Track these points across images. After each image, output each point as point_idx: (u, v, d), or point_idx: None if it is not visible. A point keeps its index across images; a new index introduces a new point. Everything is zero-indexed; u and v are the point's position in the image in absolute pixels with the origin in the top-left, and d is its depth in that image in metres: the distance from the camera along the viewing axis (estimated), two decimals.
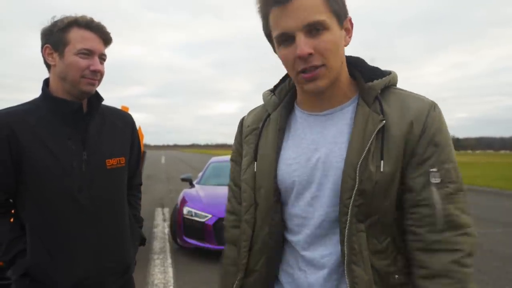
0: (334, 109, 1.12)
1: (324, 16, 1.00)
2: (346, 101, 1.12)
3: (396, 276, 1.06)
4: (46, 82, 1.64)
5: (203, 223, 5.74)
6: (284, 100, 1.22)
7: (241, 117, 1.34)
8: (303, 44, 0.99)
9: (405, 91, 1.12)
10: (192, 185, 7.31)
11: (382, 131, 1.03)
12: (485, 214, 9.75)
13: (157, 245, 6.64)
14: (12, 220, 1.61)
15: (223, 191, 6.83)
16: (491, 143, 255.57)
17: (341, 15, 1.04)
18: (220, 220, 5.65)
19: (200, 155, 63.47)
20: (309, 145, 1.12)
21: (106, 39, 1.62)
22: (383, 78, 1.10)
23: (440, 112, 1.06)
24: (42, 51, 1.59)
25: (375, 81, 1.09)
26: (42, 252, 1.55)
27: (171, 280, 4.98)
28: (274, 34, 1.05)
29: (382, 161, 1.02)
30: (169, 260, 5.81)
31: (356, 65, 1.15)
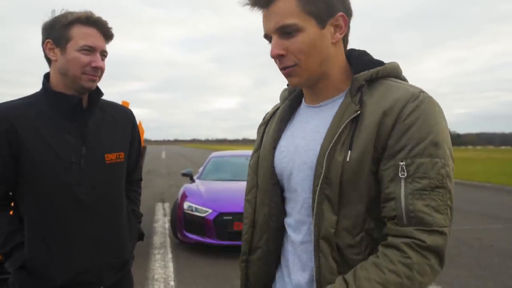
0: (327, 101, 1.16)
1: (296, 19, 1.05)
2: (338, 94, 1.15)
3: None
4: (47, 76, 1.64)
5: (203, 218, 5.74)
6: (293, 93, 1.30)
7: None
8: (274, 46, 1.08)
9: (399, 82, 1.09)
10: (192, 180, 7.31)
11: (356, 121, 1.03)
12: (486, 210, 9.77)
13: (157, 240, 6.66)
14: (11, 213, 1.62)
15: (224, 186, 6.86)
16: (492, 138, 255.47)
17: (321, 15, 1.07)
18: (220, 215, 5.67)
19: (200, 150, 63.51)
20: (299, 134, 1.18)
21: (107, 36, 1.62)
22: (371, 70, 1.10)
23: (424, 103, 1.00)
24: (43, 46, 1.59)
25: (361, 73, 1.10)
26: (39, 245, 1.55)
27: (172, 275, 5.00)
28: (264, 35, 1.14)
29: (349, 151, 1.02)
30: (170, 255, 5.83)
31: (355, 59, 1.16)
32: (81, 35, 1.54)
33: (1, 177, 1.54)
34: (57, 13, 1.58)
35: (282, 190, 1.23)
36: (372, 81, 1.09)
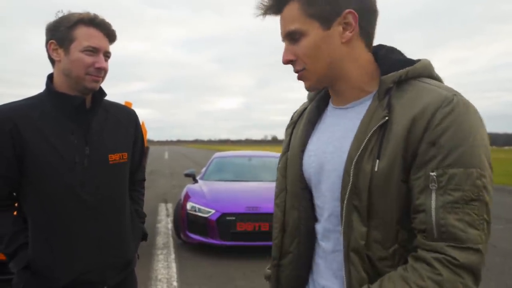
0: (354, 103, 1.11)
1: (297, 24, 1.05)
2: (365, 95, 1.09)
3: None
4: (50, 77, 1.64)
5: (206, 218, 5.74)
6: (319, 94, 1.26)
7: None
8: (283, 53, 1.10)
9: (431, 82, 1.01)
10: (195, 181, 7.31)
11: (385, 127, 0.97)
12: None
13: (160, 240, 6.67)
14: (15, 213, 1.63)
15: (227, 186, 6.85)
16: (495, 139, 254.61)
17: (324, 16, 1.04)
18: (223, 215, 5.67)
19: (203, 151, 63.53)
20: (327, 138, 1.15)
21: (111, 37, 1.63)
22: (400, 70, 1.02)
23: (458, 108, 0.92)
24: (46, 46, 1.60)
25: (389, 74, 1.02)
26: (43, 245, 1.56)
27: (175, 275, 5.00)
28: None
29: (377, 161, 0.96)
30: (173, 255, 5.83)
31: (381, 58, 1.09)
32: (85, 36, 1.55)
33: (5, 177, 1.55)
34: (61, 14, 1.59)
35: (311, 194, 1.19)
36: (401, 83, 1.02)
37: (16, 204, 1.64)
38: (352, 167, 0.99)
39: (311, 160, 1.17)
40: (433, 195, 0.91)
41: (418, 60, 1.05)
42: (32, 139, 1.52)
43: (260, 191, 6.46)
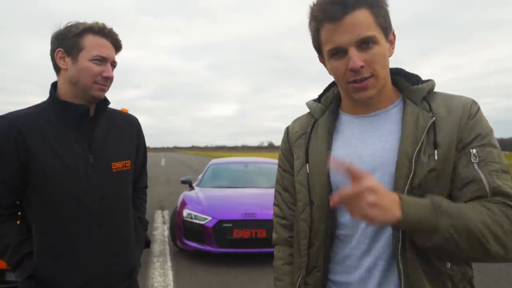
0: (380, 111, 1.22)
1: (374, 31, 1.10)
2: (390, 104, 1.22)
3: (448, 265, 1.12)
4: (54, 85, 1.65)
5: (203, 225, 5.73)
6: (331, 106, 1.33)
7: (286, 126, 1.45)
8: (356, 58, 1.09)
9: (446, 93, 1.22)
10: (192, 188, 7.31)
11: (433, 126, 1.12)
12: None
13: (156, 247, 6.64)
14: (18, 222, 1.63)
15: (223, 193, 6.85)
16: None
17: (387, 30, 1.15)
18: (220, 222, 5.66)
19: (199, 157, 63.47)
20: (359, 143, 1.21)
21: (118, 46, 1.65)
22: (428, 83, 1.20)
23: (479, 107, 1.17)
24: (53, 55, 1.60)
25: (421, 85, 1.19)
26: (47, 254, 1.56)
27: (171, 283, 4.98)
28: (326, 47, 1.15)
29: (436, 150, 1.10)
30: (169, 263, 5.81)
31: (399, 72, 1.26)
32: (94, 45, 1.56)
33: (9, 185, 1.55)
34: (64, 24, 1.60)
35: None
36: (428, 92, 1.20)
37: (19, 213, 1.64)
38: (413, 159, 1.10)
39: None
40: (477, 167, 1.08)
41: (429, 79, 1.24)
42: (36, 148, 1.53)
43: (256, 198, 6.46)
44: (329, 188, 1.21)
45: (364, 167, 1.15)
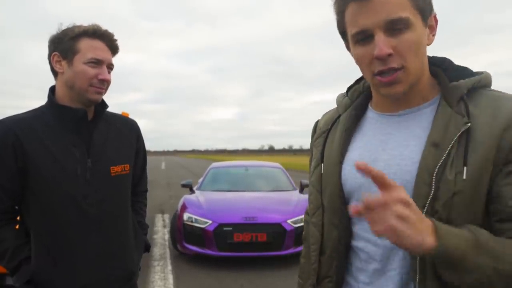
0: (410, 110, 1.03)
1: (408, 12, 0.91)
2: (424, 102, 1.02)
3: None
4: (52, 89, 1.65)
5: (203, 229, 5.72)
6: (356, 101, 1.17)
7: (316, 120, 1.31)
8: (383, 44, 0.91)
9: (500, 92, 0.98)
10: (192, 191, 7.30)
11: (467, 134, 0.91)
12: None
13: (157, 251, 6.63)
14: (17, 227, 1.62)
15: (224, 197, 6.86)
16: None
17: (426, 11, 0.95)
18: (220, 226, 5.65)
19: (200, 161, 63.45)
20: (377, 146, 1.05)
21: (114, 49, 1.64)
22: (471, 78, 0.98)
23: None
24: (50, 58, 1.61)
25: (461, 81, 0.97)
26: (46, 259, 1.55)
27: (171, 287, 4.96)
28: (351, 31, 0.98)
29: (465, 168, 0.89)
30: (169, 267, 5.79)
31: (441, 65, 1.05)
32: (89, 48, 1.56)
33: (7, 190, 1.54)
34: (63, 27, 1.60)
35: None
36: (470, 91, 0.98)
37: (18, 218, 1.64)
38: (434, 176, 0.91)
39: (355, 170, 1.10)
40: None
41: (481, 72, 1.02)
42: (34, 152, 1.52)
43: (257, 201, 6.46)
44: (339, 191, 1.09)
45: None
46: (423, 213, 0.89)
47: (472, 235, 0.84)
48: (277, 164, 8.64)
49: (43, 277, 1.54)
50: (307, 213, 1.33)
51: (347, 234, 1.08)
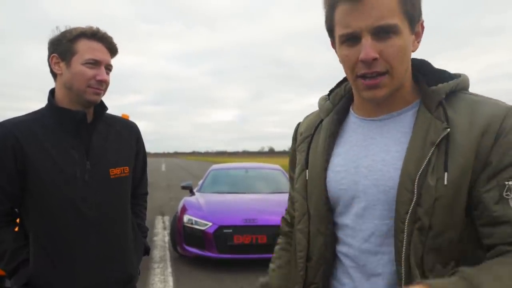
0: (391, 114, 1.03)
1: (397, 19, 0.92)
2: (405, 106, 1.03)
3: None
4: (52, 92, 1.65)
5: (203, 231, 5.71)
6: (338, 105, 1.16)
7: (297, 123, 1.30)
8: (369, 48, 0.92)
9: (478, 95, 0.99)
10: (192, 193, 7.30)
11: (446, 140, 0.92)
12: None
13: (157, 253, 6.62)
14: (16, 229, 1.62)
15: (224, 199, 6.84)
16: None
17: (414, 19, 0.96)
18: (220, 228, 5.64)
19: (200, 163, 63.41)
20: (359, 152, 1.05)
21: (112, 50, 1.64)
22: (450, 82, 0.98)
23: None
24: (49, 60, 1.61)
25: (440, 85, 0.98)
26: (44, 261, 1.55)
27: None
28: (338, 32, 0.98)
29: (446, 173, 0.90)
30: (169, 269, 5.78)
31: (419, 68, 1.05)
32: (86, 49, 1.56)
33: (6, 192, 1.54)
34: (62, 29, 1.60)
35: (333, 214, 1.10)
36: (448, 95, 0.98)
37: (17, 220, 1.63)
38: (416, 183, 0.92)
39: (340, 176, 1.06)
40: None
41: (458, 74, 1.03)
42: (34, 155, 1.53)
43: (257, 203, 6.44)
44: (325, 197, 1.08)
45: (361, 182, 1.02)
46: (406, 218, 0.92)
47: (466, 284, 0.81)
48: (277, 166, 8.63)
49: (42, 279, 1.54)
50: (284, 218, 1.37)
51: (333, 240, 1.09)
